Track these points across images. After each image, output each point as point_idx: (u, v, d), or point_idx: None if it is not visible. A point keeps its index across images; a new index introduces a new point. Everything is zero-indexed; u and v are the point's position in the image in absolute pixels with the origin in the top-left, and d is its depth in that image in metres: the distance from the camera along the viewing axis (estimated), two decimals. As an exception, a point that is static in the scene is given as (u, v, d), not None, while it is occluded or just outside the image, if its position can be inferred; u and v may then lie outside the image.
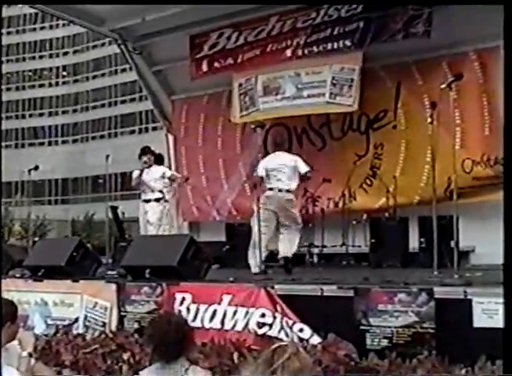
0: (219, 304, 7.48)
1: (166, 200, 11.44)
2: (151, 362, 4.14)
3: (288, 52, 12.00)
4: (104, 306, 8.51)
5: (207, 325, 7.46)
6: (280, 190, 9.81)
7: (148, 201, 11.31)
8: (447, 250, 8.34)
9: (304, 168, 9.91)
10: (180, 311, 7.57)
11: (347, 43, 11.35)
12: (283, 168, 9.90)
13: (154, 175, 11.33)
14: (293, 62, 12.02)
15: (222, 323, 7.38)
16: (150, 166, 11.40)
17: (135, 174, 11.48)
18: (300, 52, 11.89)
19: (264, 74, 12.34)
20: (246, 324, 7.20)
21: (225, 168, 13.63)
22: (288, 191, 9.83)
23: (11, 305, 4.62)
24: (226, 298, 7.47)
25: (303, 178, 9.98)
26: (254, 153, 12.42)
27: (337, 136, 12.30)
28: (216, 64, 12.91)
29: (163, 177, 11.39)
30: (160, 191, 11.32)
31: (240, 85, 12.62)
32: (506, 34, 4.06)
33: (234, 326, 7.29)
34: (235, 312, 7.34)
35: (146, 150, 11.63)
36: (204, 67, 13.04)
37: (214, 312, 7.47)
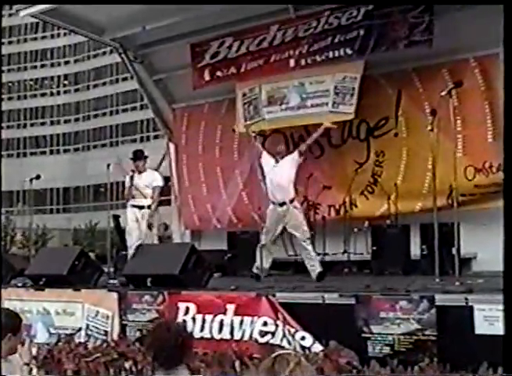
0: (224, 314, 7.47)
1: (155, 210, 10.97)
2: (153, 371, 4.14)
3: (291, 62, 12.00)
4: (106, 315, 8.52)
5: (214, 336, 7.45)
6: None
7: (141, 208, 10.76)
8: (448, 257, 8.35)
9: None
10: (185, 321, 7.56)
11: (349, 51, 11.36)
12: None
13: (147, 181, 10.85)
14: (296, 71, 12.02)
15: (229, 333, 7.38)
16: (141, 172, 10.91)
17: (127, 182, 10.97)
18: (303, 62, 11.90)
19: (268, 83, 12.35)
20: (250, 333, 7.21)
21: (223, 176, 13.63)
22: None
23: (15, 317, 4.58)
24: (230, 308, 7.47)
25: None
26: (251, 161, 12.44)
27: (336, 144, 12.28)
28: (218, 73, 12.91)
29: (153, 181, 10.88)
30: (152, 198, 10.83)
31: (244, 95, 12.61)
32: (506, 35, 4.05)
33: (240, 336, 7.29)
34: (240, 322, 7.34)
35: (139, 155, 11.13)
36: (206, 76, 13.04)
37: (220, 322, 7.46)
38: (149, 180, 10.89)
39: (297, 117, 11.98)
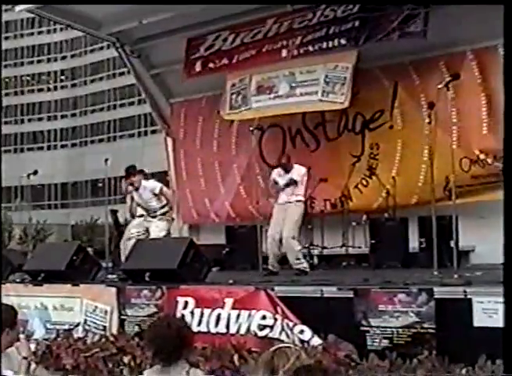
0: (222, 308, 7.47)
1: (171, 218, 10.73)
2: (152, 364, 4.14)
3: (283, 52, 11.99)
4: (104, 310, 8.51)
5: (212, 330, 7.45)
6: None
7: (153, 217, 10.52)
8: (447, 250, 8.35)
9: None
10: (184, 315, 7.57)
11: (342, 41, 11.33)
12: None
13: (146, 196, 10.49)
14: (288, 61, 12.00)
15: (227, 327, 7.38)
16: (138, 188, 10.49)
17: (128, 202, 10.70)
18: (295, 52, 11.88)
19: (258, 73, 12.34)
20: (248, 327, 7.21)
21: (221, 170, 13.62)
22: None
23: (11, 310, 4.60)
24: (228, 302, 7.47)
25: None
26: (248, 155, 12.44)
27: (331, 137, 12.28)
28: (210, 65, 12.89)
29: (155, 194, 10.49)
30: (161, 207, 10.54)
31: (233, 85, 12.60)
32: (506, 34, 4.04)
33: (238, 329, 7.29)
34: (238, 316, 7.34)
35: (131, 171, 10.60)
36: (198, 67, 13.00)
37: (218, 316, 7.46)
38: (148, 195, 10.53)
39: (286, 106, 11.95)
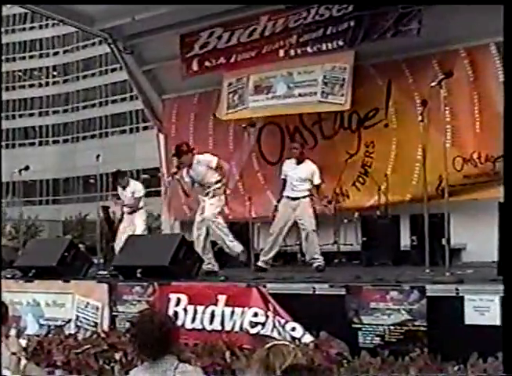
0: (215, 305, 7.47)
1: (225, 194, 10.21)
2: (142, 361, 4.14)
3: (281, 53, 11.97)
4: (96, 306, 8.50)
5: (206, 327, 7.45)
6: None
7: (207, 194, 10.02)
8: (438, 247, 8.36)
9: None
10: (177, 312, 7.57)
11: (340, 42, 11.32)
12: None
13: (200, 170, 9.98)
14: (285, 61, 11.99)
15: (222, 324, 7.37)
16: (191, 165, 9.93)
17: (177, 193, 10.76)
18: (293, 52, 11.87)
19: (256, 73, 12.32)
20: (240, 324, 7.21)
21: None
22: None
23: (1, 306, 4.59)
24: (221, 299, 7.46)
25: None
26: (246, 153, 12.42)
27: (328, 135, 12.28)
28: (207, 63, 12.86)
29: (210, 168, 9.93)
30: (216, 182, 9.98)
31: (230, 84, 12.58)
32: (506, 34, 4.05)
33: (231, 327, 7.29)
34: (232, 313, 7.34)
35: (181, 150, 10.02)
36: (195, 66, 12.98)
37: (212, 313, 7.46)
38: (202, 169, 9.99)
39: (284, 106, 11.93)
